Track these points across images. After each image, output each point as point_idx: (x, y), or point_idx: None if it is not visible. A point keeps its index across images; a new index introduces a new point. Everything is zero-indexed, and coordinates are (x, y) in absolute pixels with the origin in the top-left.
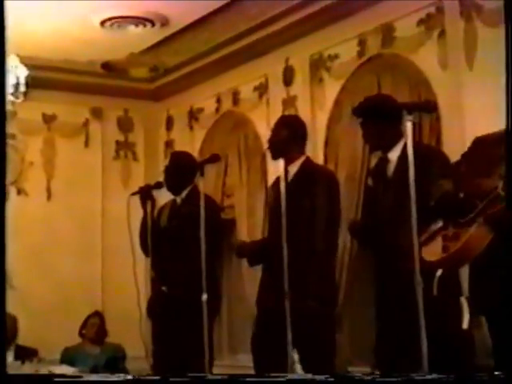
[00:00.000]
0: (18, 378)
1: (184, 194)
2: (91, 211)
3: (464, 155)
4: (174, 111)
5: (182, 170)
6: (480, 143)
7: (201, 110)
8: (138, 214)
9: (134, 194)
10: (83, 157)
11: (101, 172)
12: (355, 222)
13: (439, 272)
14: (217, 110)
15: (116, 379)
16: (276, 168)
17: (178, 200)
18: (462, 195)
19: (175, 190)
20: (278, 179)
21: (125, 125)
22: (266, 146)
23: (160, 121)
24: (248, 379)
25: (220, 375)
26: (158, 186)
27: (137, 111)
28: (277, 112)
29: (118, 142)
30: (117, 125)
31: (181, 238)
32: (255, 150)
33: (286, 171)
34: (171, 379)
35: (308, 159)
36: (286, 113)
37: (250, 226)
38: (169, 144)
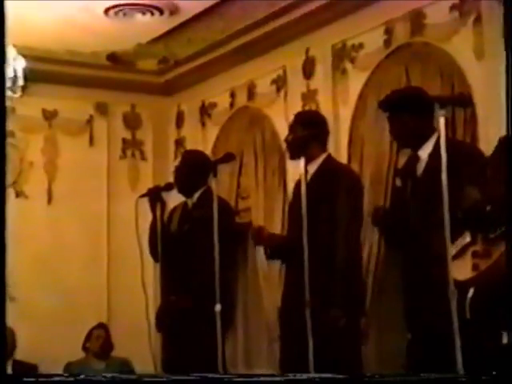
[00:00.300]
0: (18, 378)
1: (196, 196)
2: (96, 215)
3: (490, 158)
4: (185, 106)
5: (193, 171)
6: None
7: (214, 105)
8: (146, 217)
9: (142, 196)
10: (87, 156)
11: (106, 173)
12: (379, 208)
13: (471, 293)
14: (231, 105)
15: (122, 379)
16: (296, 167)
17: (190, 203)
18: (489, 207)
19: (186, 192)
20: (299, 180)
21: (132, 121)
22: (284, 143)
23: (170, 117)
24: (247, 379)
25: (222, 376)
26: (169, 187)
27: (145, 107)
28: (296, 107)
29: (124, 140)
30: (123, 121)
31: (193, 244)
32: (273, 148)
33: (306, 171)
34: (174, 378)
35: (329, 157)
36: (306, 108)
37: (268, 229)
38: (179, 142)
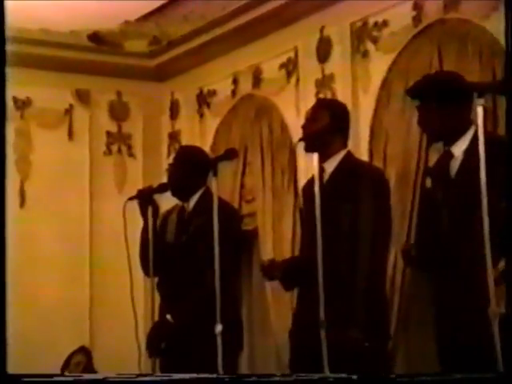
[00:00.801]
0: (18, 378)
1: (194, 199)
2: (77, 221)
3: None
4: (180, 95)
5: (190, 170)
6: None
7: (213, 93)
8: (136, 224)
9: (131, 198)
10: (66, 152)
11: (88, 172)
12: (409, 247)
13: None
14: (233, 93)
15: (120, 379)
16: (309, 165)
17: (187, 207)
18: None
19: (182, 195)
20: (312, 179)
21: (118, 112)
22: (295, 137)
23: (163, 107)
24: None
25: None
26: (162, 189)
27: (133, 95)
28: (309, 95)
29: (109, 134)
30: (108, 112)
31: (191, 256)
32: (282, 143)
33: (322, 169)
34: (174, 378)
35: (349, 154)
36: (321, 96)
37: (276, 240)
38: (174, 136)
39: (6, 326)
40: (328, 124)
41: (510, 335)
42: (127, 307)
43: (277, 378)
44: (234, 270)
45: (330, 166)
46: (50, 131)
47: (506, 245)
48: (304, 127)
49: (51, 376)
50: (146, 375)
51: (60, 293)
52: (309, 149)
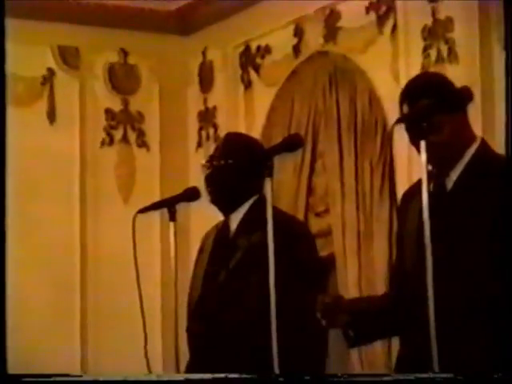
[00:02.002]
0: (18, 378)
1: (240, 212)
2: (62, 243)
3: None
4: (214, 54)
5: (241, 168)
6: None
7: (266, 50)
8: (149, 243)
9: (142, 210)
10: (45, 142)
11: (79, 171)
12: None
13: None
14: (296, 49)
15: (122, 379)
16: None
17: (232, 223)
18: None
19: (226, 205)
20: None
21: (123, 81)
22: (391, 117)
23: (189, 73)
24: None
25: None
26: (191, 196)
27: (145, 55)
28: (413, 52)
29: (110, 114)
30: (107, 81)
31: (238, 298)
32: (370, 125)
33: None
34: (179, 379)
35: (484, 144)
36: (431, 52)
37: (362, 271)
38: (206, 116)
39: (6, 326)
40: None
41: (510, 335)
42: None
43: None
44: (300, 313)
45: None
46: (19, 110)
47: None
48: (403, 104)
49: (51, 376)
50: (152, 376)
51: (47, 330)
52: (415, 136)
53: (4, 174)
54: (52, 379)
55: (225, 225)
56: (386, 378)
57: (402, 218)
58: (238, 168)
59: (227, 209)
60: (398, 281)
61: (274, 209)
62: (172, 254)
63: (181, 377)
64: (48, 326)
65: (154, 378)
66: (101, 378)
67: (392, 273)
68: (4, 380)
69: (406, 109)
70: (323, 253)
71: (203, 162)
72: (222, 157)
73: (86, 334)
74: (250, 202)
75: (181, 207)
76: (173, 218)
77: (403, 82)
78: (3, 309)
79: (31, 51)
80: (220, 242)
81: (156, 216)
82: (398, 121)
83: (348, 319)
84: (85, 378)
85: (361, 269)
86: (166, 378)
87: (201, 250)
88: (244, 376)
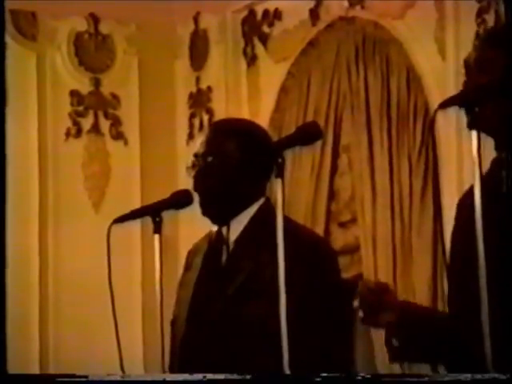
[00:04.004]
0: (19, 378)
1: (241, 222)
2: (20, 261)
3: None
4: (208, 19)
5: (242, 166)
6: None
7: (276, 15)
8: (127, 261)
9: (119, 220)
10: None
11: (37, 168)
12: None
13: None
14: (314, 15)
15: (125, 379)
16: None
17: (230, 236)
18: None
19: (222, 213)
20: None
21: (92, 54)
22: (433, 101)
23: (177, 43)
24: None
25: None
26: (180, 201)
27: (121, 21)
28: (465, 19)
29: (76, 96)
30: (72, 54)
31: (241, 329)
32: (407, 112)
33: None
34: (182, 379)
35: None
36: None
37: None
38: (199, 99)
39: (6, 326)
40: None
41: (510, 335)
42: None
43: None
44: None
45: None
46: None
47: None
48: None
49: (52, 376)
50: (156, 375)
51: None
52: (472, 120)
53: (4, 175)
54: (53, 379)
55: (219, 238)
56: (406, 379)
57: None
58: (234, 167)
59: (221, 219)
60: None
61: (284, 218)
62: (157, 275)
63: (183, 377)
64: None
65: (156, 378)
66: (102, 379)
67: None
68: (4, 380)
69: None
70: (348, 274)
71: (190, 160)
72: (212, 153)
73: None
74: (254, 208)
75: (168, 216)
76: (158, 229)
77: (450, 56)
78: (3, 309)
79: None
80: (213, 260)
81: (136, 227)
82: (443, 104)
83: (393, 320)
84: (90, 378)
85: (399, 292)
86: (169, 378)
87: (186, 268)
88: (253, 377)
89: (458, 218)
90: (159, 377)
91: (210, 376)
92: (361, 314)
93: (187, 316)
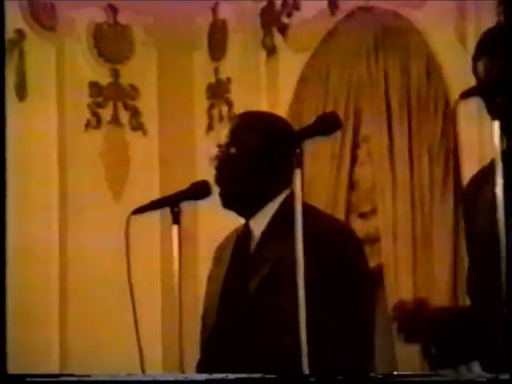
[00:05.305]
0: (19, 378)
1: (267, 214)
2: (38, 252)
3: None
4: (227, 10)
5: (268, 158)
6: None
7: (294, 6)
8: (147, 252)
9: (138, 211)
10: (14, 123)
11: (56, 159)
12: None
13: None
14: (332, 5)
15: (127, 379)
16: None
17: (255, 228)
18: None
19: (244, 207)
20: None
21: (111, 45)
22: (455, 91)
23: (195, 34)
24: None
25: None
26: (199, 192)
27: (140, 11)
28: (487, 8)
29: (96, 87)
30: (93, 45)
31: (265, 321)
32: (427, 102)
33: None
34: (192, 379)
35: None
36: None
37: (420, 287)
38: (218, 90)
39: (6, 325)
40: None
41: (510, 335)
42: None
43: None
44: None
45: None
46: None
47: None
48: None
49: (53, 376)
50: (160, 376)
51: None
52: (493, 109)
53: (4, 175)
54: (54, 379)
55: (246, 230)
56: (425, 378)
57: (470, 214)
58: (257, 158)
59: (247, 212)
60: (478, 291)
61: (309, 207)
62: (175, 265)
63: (203, 376)
64: None
65: (158, 377)
66: (103, 378)
67: (470, 282)
68: (4, 380)
69: (481, 69)
70: (373, 264)
71: (213, 151)
72: (235, 144)
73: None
74: (279, 200)
75: (186, 206)
76: (176, 220)
77: (471, 45)
78: (3, 309)
79: None
80: (241, 254)
81: (155, 218)
82: (464, 95)
83: (431, 333)
84: (91, 378)
85: (416, 285)
86: (181, 378)
87: (216, 263)
88: (273, 376)
89: (469, 207)
90: (180, 376)
91: (231, 376)
92: (401, 337)
93: (217, 310)
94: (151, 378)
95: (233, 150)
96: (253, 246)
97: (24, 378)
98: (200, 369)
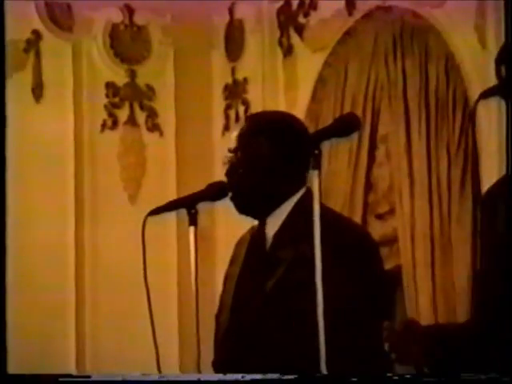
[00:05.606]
0: (19, 378)
1: (283, 213)
2: (56, 246)
3: None
4: (244, 10)
5: (282, 158)
6: None
7: (311, 5)
8: (163, 253)
9: (154, 212)
10: (31, 123)
11: (73, 160)
12: None
13: None
14: (350, 4)
15: (128, 379)
16: None
17: (269, 229)
18: None
19: (258, 210)
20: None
21: (128, 45)
22: (474, 91)
23: (212, 34)
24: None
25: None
26: (216, 193)
27: (156, 11)
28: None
29: (112, 87)
30: (110, 45)
31: (280, 323)
32: (446, 102)
33: None
34: (200, 379)
35: None
36: None
37: (439, 289)
38: (235, 90)
39: (6, 325)
40: None
41: (510, 335)
42: None
43: None
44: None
45: None
46: None
47: None
48: None
49: (53, 376)
50: (162, 376)
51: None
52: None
53: (4, 175)
54: (55, 379)
55: (260, 230)
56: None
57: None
58: (265, 161)
59: (261, 213)
60: (486, 302)
61: (325, 209)
62: (192, 267)
63: (218, 377)
64: None
65: (171, 378)
66: (103, 379)
67: (477, 291)
68: (4, 380)
69: (504, 73)
70: (387, 266)
71: (224, 156)
72: (243, 148)
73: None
74: (294, 200)
75: (203, 208)
76: (193, 221)
77: (491, 45)
78: (3, 309)
79: (10, 8)
80: (254, 252)
81: (172, 219)
82: (484, 95)
83: (423, 352)
84: (93, 378)
85: (435, 287)
86: (193, 378)
87: (232, 262)
88: (291, 377)
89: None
90: (195, 377)
91: (248, 377)
92: (393, 356)
93: (231, 309)
94: (165, 379)
95: (239, 154)
96: (267, 246)
97: (24, 378)
98: (215, 369)
